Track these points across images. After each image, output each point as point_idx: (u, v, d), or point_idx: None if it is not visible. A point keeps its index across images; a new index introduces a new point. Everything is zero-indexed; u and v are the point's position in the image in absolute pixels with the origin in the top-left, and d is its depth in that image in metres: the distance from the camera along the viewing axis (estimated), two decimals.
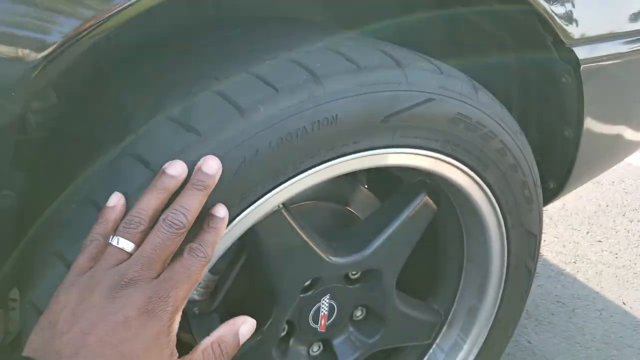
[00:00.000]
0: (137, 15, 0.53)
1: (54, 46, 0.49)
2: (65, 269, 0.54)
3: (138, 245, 0.50)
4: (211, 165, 0.54)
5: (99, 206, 0.55)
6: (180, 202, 0.51)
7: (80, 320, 0.46)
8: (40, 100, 0.75)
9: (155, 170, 0.55)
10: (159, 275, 0.49)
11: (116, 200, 0.53)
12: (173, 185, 0.52)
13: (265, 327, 0.76)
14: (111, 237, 0.51)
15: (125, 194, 0.54)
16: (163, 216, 0.51)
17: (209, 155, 0.54)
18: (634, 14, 0.99)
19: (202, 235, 0.53)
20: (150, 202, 0.51)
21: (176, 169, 0.53)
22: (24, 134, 0.77)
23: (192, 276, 0.50)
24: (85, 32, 0.50)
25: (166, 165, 0.53)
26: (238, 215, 0.61)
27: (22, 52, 0.49)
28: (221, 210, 0.55)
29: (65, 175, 0.66)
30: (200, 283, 0.77)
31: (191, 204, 0.52)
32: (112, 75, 0.72)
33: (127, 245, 0.50)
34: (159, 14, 0.54)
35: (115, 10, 0.51)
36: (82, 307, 0.47)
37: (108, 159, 0.59)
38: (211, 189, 0.54)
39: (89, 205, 0.56)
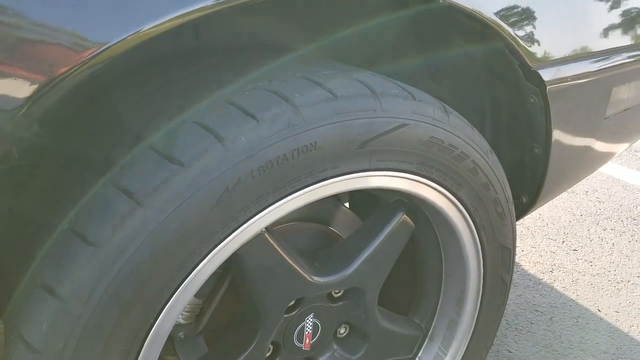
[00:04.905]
0: (119, 54, 0.55)
1: (38, 87, 0.51)
2: (52, 300, 0.55)
3: None
4: None
5: (84, 237, 0.56)
6: None
7: None
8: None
9: (138, 201, 0.56)
10: None
11: None
12: None
13: (250, 348, 0.78)
14: None
15: (109, 225, 0.56)
16: None
17: None
18: (595, 37, 1.05)
19: None
20: None
21: None
22: (5, 162, 0.77)
23: None
24: (68, 73, 0.52)
25: None
26: (222, 241, 0.63)
27: (7, 93, 0.51)
28: None
29: (49, 204, 0.67)
30: (185, 307, 0.79)
31: None
32: (95, 107, 0.73)
33: None
34: (140, 50, 0.56)
35: (98, 51, 0.53)
36: None
37: (92, 189, 0.60)
38: None
39: (73, 235, 0.58)
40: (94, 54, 0.54)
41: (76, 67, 0.53)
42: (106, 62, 0.55)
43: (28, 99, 0.51)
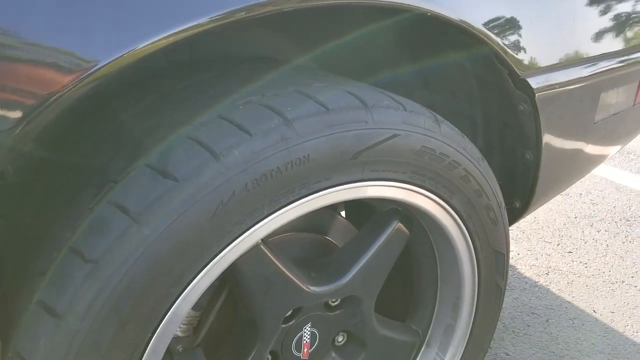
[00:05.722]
0: (114, 72, 0.55)
1: (33, 106, 0.52)
2: (49, 317, 0.55)
3: None
4: None
5: (81, 254, 0.57)
6: None
7: None
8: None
9: (134, 218, 0.57)
10: None
11: None
12: None
13: (249, 359, 0.78)
14: None
15: (105, 242, 0.56)
16: None
17: None
18: (583, 43, 1.06)
19: None
20: None
21: None
22: (0, 180, 0.78)
23: None
24: (63, 92, 0.53)
25: None
26: (218, 254, 0.63)
27: (2, 113, 0.52)
28: None
29: (45, 220, 0.68)
30: (183, 320, 0.79)
31: None
32: (89, 123, 0.74)
33: None
34: (134, 66, 0.57)
35: (92, 70, 0.54)
36: None
37: (89, 206, 0.61)
38: None
39: (70, 253, 0.58)
40: (88, 72, 0.54)
41: (71, 86, 0.54)
42: (100, 80, 0.56)
43: (23, 118, 0.52)
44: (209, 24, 0.59)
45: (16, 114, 0.53)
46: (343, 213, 1.05)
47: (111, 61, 0.55)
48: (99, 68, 0.55)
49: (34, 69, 0.53)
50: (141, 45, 0.56)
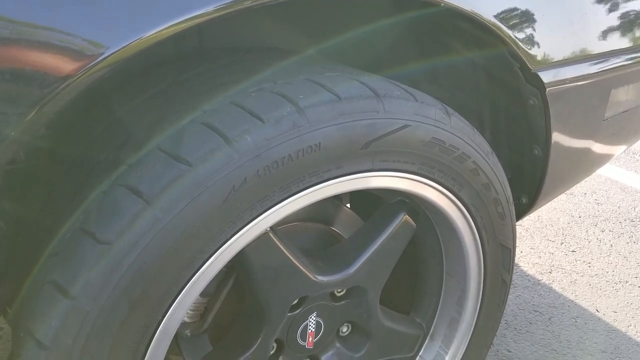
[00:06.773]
0: (125, 58, 0.56)
1: (45, 92, 0.52)
2: (62, 297, 0.56)
3: None
4: None
5: (93, 236, 0.57)
6: None
7: None
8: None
9: (147, 200, 0.57)
10: None
11: None
12: None
13: (255, 346, 0.79)
14: None
15: (118, 224, 0.57)
16: None
17: None
18: (594, 39, 1.06)
19: None
20: None
21: None
22: (12, 164, 0.78)
23: None
24: (74, 78, 0.53)
25: None
26: (228, 240, 0.64)
27: (14, 99, 0.52)
28: None
29: (57, 204, 0.68)
30: (191, 306, 0.79)
31: None
32: (102, 109, 0.74)
33: None
34: (146, 53, 0.57)
35: (103, 57, 0.54)
36: None
37: (101, 189, 0.61)
38: None
39: (83, 234, 0.59)
40: (99, 59, 0.54)
41: (82, 72, 0.54)
42: (112, 67, 0.56)
43: (35, 104, 0.52)
44: (216, 12, 0.59)
45: (29, 99, 0.53)
46: (348, 205, 1.05)
47: (121, 48, 0.55)
48: (110, 55, 0.55)
49: (47, 55, 0.53)
50: (149, 33, 0.56)
